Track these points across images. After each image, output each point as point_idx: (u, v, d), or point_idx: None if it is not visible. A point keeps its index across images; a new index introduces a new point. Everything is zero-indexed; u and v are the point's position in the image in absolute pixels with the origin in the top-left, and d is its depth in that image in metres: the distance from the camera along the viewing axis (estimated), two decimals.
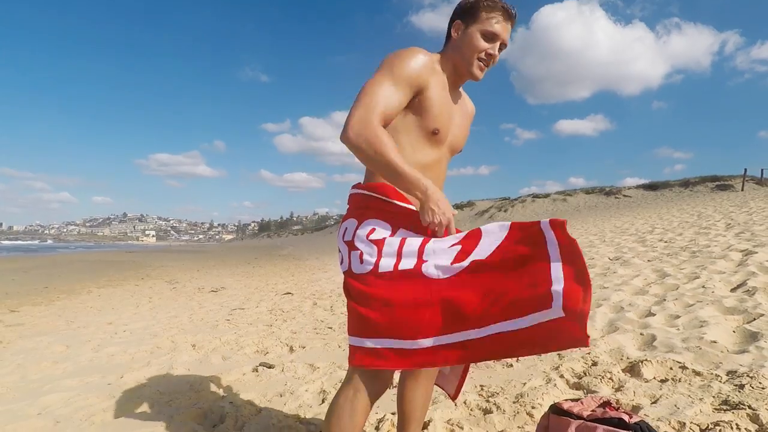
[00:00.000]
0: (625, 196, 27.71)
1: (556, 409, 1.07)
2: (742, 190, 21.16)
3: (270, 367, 2.89)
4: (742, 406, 1.71)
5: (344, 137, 1.18)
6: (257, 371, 2.84)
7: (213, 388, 2.57)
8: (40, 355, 3.60)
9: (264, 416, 2.10)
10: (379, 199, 1.27)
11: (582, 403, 1.08)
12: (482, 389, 2.21)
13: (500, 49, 1.31)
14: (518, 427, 1.79)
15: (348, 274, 1.23)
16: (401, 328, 1.14)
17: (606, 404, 1.09)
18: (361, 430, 1.22)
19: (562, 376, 2.27)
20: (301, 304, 5.57)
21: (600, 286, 4.36)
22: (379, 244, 1.20)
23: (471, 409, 2.00)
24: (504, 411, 1.93)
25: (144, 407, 2.31)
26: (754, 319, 2.71)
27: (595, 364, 2.39)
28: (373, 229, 1.23)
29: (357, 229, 1.24)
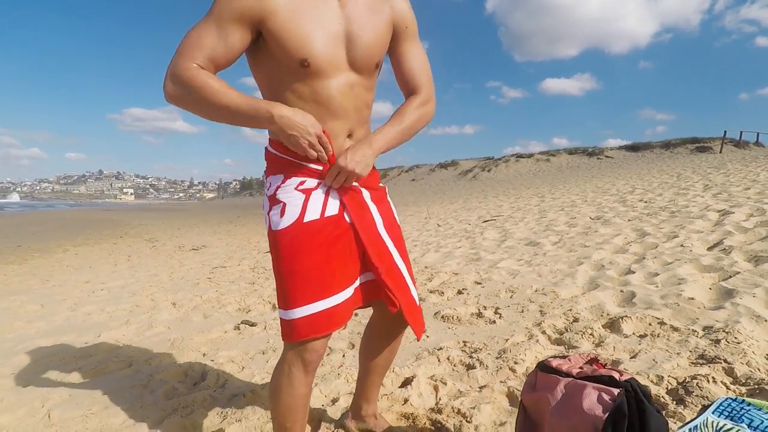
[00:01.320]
0: (607, 157, 27.97)
1: (544, 367, 1.05)
2: (721, 152, 21.54)
3: (252, 324, 2.86)
4: (718, 360, 1.75)
5: (165, 95, 1.03)
6: (239, 329, 2.81)
7: (194, 346, 2.54)
8: (13, 314, 3.51)
9: (246, 373, 2.08)
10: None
11: (570, 360, 1.06)
12: (465, 345, 2.22)
13: None
14: (501, 381, 1.80)
15: (270, 233, 1.14)
16: (330, 280, 1.10)
17: (593, 361, 1.07)
18: (306, 402, 1.19)
19: (544, 332, 2.30)
20: None
21: (581, 244, 4.41)
22: (308, 193, 1.11)
23: (454, 365, 2.01)
24: (487, 366, 1.94)
25: (122, 366, 2.27)
26: (730, 277, 2.77)
27: (576, 320, 2.42)
28: (303, 181, 1.12)
29: (283, 182, 1.13)
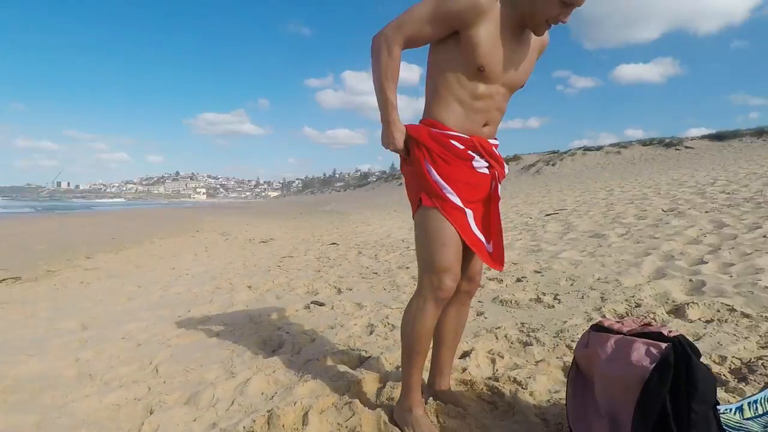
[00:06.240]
0: (687, 147, 25.81)
1: (596, 327, 1.13)
2: None
3: (321, 304, 3.10)
4: None
5: (373, 38, 1.34)
6: (309, 308, 3.06)
7: (270, 321, 2.81)
8: (117, 293, 4.02)
9: (318, 344, 2.30)
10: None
11: (623, 323, 1.13)
12: (523, 326, 2.29)
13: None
14: (557, 357, 1.86)
15: None
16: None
17: (647, 324, 1.13)
18: (431, 332, 1.43)
19: (603, 316, 2.31)
20: (346, 252, 5.79)
21: (650, 236, 4.24)
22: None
23: (511, 342, 2.09)
24: (544, 344, 2.01)
25: (211, 335, 2.58)
26: None
27: (638, 305, 2.40)
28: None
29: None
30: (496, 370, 1.80)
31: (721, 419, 1.18)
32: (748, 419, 1.32)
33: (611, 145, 30.74)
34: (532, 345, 2.01)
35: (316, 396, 1.64)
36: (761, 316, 2.02)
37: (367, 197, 36.25)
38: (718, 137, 25.93)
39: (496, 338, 2.14)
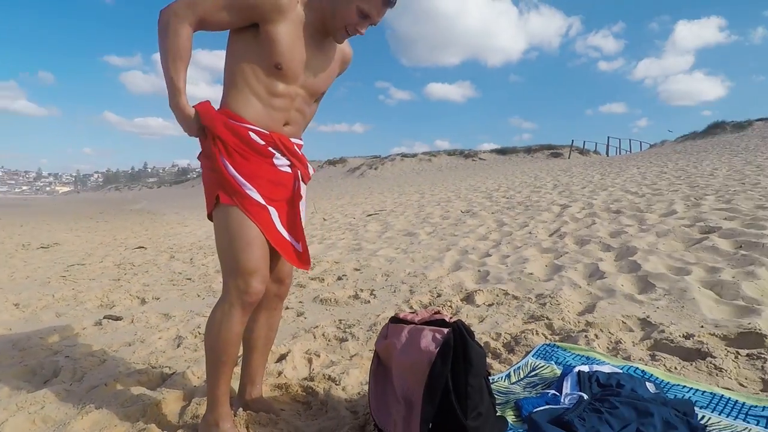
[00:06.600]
0: (480, 159, 30.77)
1: (394, 319, 1.23)
2: (569, 158, 25.13)
3: (117, 319, 2.66)
4: (542, 318, 2.15)
5: (161, 11, 1.23)
6: (101, 324, 2.60)
7: (44, 345, 2.29)
8: None
9: (108, 366, 1.96)
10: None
11: (417, 313, 1.25)
12: (340, 323, 2.37)
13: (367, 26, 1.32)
14: (370, 350, 1.97)
15: None
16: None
17: (437, 313, 1.27)
18: (239, 339, 1.34)
19: (411, 307, 2.55)
20: (155, 257, 5.14)
21: (451, 234, 4.89)
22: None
23: (329, 340, 2.14)
24: (358, 338, 2.10)
25: None
26: (561, 256, 3.35)
27: (439, 295, 2.72)
28: None
29: None
30: (312, 370, 1.81)
31: (493, 387, 1.41)
32: (513, 383, 1.61)
33: (424, 153, 34.63)
34: (347, 340, 2.09)
35: (100, 429, 1.39)
36: (526, 297, 2.51)
37: (185, 195, 33.03)
38: (502, 152, 31.63)
39: (314, 337, 2.16)
